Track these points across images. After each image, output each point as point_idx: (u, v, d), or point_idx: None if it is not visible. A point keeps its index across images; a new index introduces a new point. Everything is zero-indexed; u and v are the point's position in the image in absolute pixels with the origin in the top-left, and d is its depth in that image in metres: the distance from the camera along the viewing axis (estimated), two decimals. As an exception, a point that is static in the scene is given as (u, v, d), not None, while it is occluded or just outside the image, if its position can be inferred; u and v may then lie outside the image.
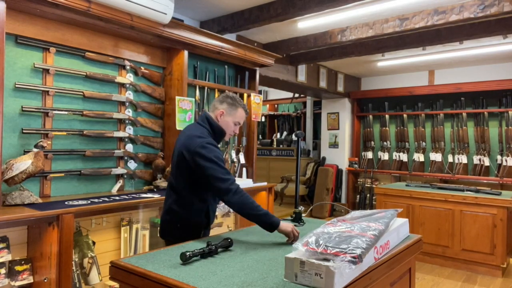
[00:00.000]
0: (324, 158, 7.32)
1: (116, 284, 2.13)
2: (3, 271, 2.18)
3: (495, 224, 3.93)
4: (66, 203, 2.34)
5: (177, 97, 3.13)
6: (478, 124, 5.87)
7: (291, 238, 1.84)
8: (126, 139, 3.02)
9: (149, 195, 2.79)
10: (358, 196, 6.89)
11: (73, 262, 2.31)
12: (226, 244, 1.69)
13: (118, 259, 1.57)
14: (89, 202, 2.41)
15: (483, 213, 4.01)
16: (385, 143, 6.85)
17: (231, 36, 4.27)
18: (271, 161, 7.97)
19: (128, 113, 3.04)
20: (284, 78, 5.34)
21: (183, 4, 3.61)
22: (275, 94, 8.64)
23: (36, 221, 2.14)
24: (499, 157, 5.67)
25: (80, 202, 2.40)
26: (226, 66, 3.82)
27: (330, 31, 4.31)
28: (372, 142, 7.05)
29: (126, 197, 2.66)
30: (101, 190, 2.90)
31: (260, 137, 9.04)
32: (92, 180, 2.85)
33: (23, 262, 2.27)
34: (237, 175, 3.81)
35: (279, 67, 5.19)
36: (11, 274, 2.21)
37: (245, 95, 3.95)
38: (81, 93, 2.72)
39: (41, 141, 2.34)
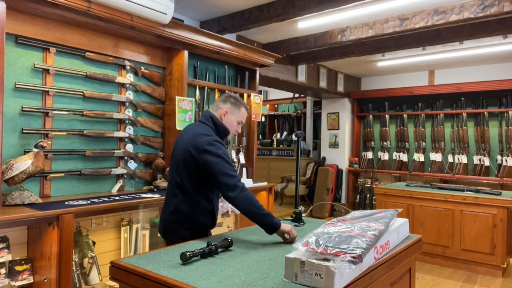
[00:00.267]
0: (324, 158, 7.32)
1: (116, 284, 2.13)
2: (3, 271, 2.18)
3: (495, 224, 3.93)
4: (66, 203, 2.35)
5: (177, 97, 3.13)
6: (478, 124, 5.87)
7: (290, 237, 1.85)
8: (126, 139, 3.02)
9: (149, 195, 2.79)
10: (358, 196, 6.89)
11: (73, 262, 2.31)
12: (226, 244, 1.69)
13: (118, 259, 1.57)
14: (89, 202, 2.41)
15: (483, 213, 4.01)
16: (385, 143, 6.85)
17: (231, 36, 4.27)
18: (271, 161, 7.97)
19: (128, 113, 3.04)
20: (284, 78, 5.34)
21: (183, 4, 3.62)
22: (275, 94, 8.65)
23: (36, 221, 2.14)
24: (499, 157, 5.67)
25: (80, 202, 2.40)
26: (226, 66, 3.82)
27: (330, 31, 4.31)
28: (372, 142, 7.05)
29: (126, 197, 2.66)
30: (101, 190, 2.90)
31: (260, 137, 9.04)
32: (92, 180, 2.85)
33: (23, 262, 2.27)
34: (237, 175, 3.81)
35: (279, 67, 5.19)
36: (11, 274, 2.21)
37: (245, 95, 3.95)
38: (81, 93, 2.72)
39: (41, 141, 2.34)
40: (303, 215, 2.34)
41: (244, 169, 3.90)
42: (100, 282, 2.56)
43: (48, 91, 2.56)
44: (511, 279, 3.89)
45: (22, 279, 2.23)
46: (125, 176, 3.03)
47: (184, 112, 3.17)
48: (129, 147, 3.05)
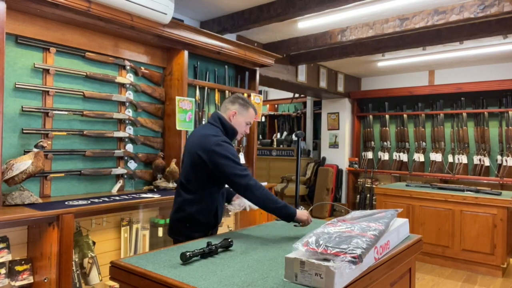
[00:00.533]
0: (324, 158, 7.32)
1: (116, 284, 2.13)
2: (3, 271, 2.18)
3: (495, 224, 3.93)
4: (66, 203, 2.35)
5: (177, 97, 3.13)
6: (478, 124, 5.86)
7: (306, 224, 2.01)
8: (126, 139, 3.02)
9: (149, 195, 2.79)
10: (358, 196, 6.89)
11: (73, 262, 2.31)
12: (226, 244, 1.69)
13: (118, 259, 1.57)
14: (89, 202, 2.42)
15: (483, 213, 4.01)
16: (385, 143, 6.85)
17: (231, 36, 4.27)
18: (271, 161, 7.97)
19: (128, 113, 3.04)
20: (284, 78, 5.34)
21: (183, 4, 3.62)
22: (275, 94, 8.64)
23: (36, 221, 2.14)
24: (499, 157, 5.67)
25: (80, 202, 2.40)
26: (226, 66, 3.82)
27: (330, 31, 4.31)
28: (372, 142, 7.05)
29: (126, 197, 2.66)
30: (101, 190, 2.90)
31: (260, 137, 9.03)
32: (92, 180, 2.85)
33: (23, 262, 2.27)
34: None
35: (279, 67, 5.19)
36: (11, 274, 2.21)
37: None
38: (81, 93, 2.72)
39: (41, 141, 2.34)
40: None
41: (244, 169, 3.89)
42: (100, 282, 2.56)
43: (48, 91, 2.56)
44: (511, 279, 3.89)
45: (22, 279, 2.23)
46: (125, 176, 3.03)
47: (184, 112, 3.17)
48: (129, 147, 3.05)
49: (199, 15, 3.97)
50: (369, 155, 6.96)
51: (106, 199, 2.55)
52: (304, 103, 8.39)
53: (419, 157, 6.35)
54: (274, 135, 8.91)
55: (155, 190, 3.04)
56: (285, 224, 2.28)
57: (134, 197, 2.67)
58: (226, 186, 2.10)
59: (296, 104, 8.78)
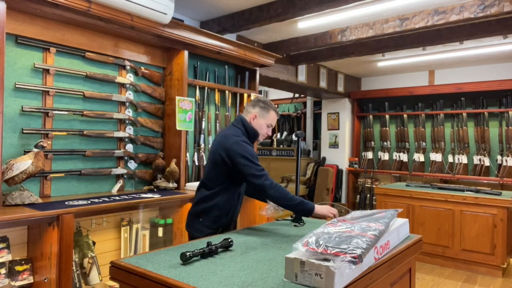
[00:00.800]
0: (324, 158, 7.32)
1: (116, 284, 2.13)
2: (3, 271, 2.18)
3: (495, 224, 3.93)
4: (66, 203, 2.35)
5: (177, 97, 3.13)
6: (478, 124, 5.86)
7: (331, 218, 1.98)
8: (126, 139, 3.02)
9: (149, 195, 2.79)
10: (358, 196, 6.89)
11: (73, 262, 2.31)
12: (226, 244, 1.69)
13: (118, 259, 1.57)
14: (89, 202, 2.42)
15: (483, 213, 4.01)
16: (385, 143, 6.85)
17: (231, 36, 4.27)
18: (271, 161, 7.96)
19: (128, 113, 3.04)
20: (284, 78, 5.34)
21: (183, 4, 3.62)
22: (275, 94, 8.63)
23: (36, 221, 2.14)
24: (499, 157, 5.67)
25: (80, 202, 2.40)
26: (226, 66, 3.82)
27: (330, 31, 4.31)
28: (372, 142, 7.05)
29: (126, 197, 2.66)
30: (101, 190, 2.90)
31: (260, 137, 9.01)
32: (92, 180, 2.85)
33: (23, 262, 2.27)
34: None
35: (279, 67, 5.19)
36: (11, 274, 2.21)
37: (245, 95, 3.95)
38: (81, 93, 2.72)
39: (41, 141, 2.34)
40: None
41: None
42: (100, 282, 2.56)
43: (48, 91, 2.56)
44: (511, 279, 3.89)
45: (22, 279, 2.23)
46: (125, 176, 3.03)
47: (184, 112, 3.17)
48: (129, 147, 3.05)
49: (199, 15, 3.97)
50: (369, 155, 6.96)
51: (106, 199, 2.55)
52: (304, 103, 8.39)
53: (419, 157, 6.35)
54: (274, 135, 8.91)
55: (155, 190, 3.04)
56: (285, 224, 2.29)
57: (134, 197, 2.67)
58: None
59: (296, 104, 8.77)
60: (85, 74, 2.74)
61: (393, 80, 6.79)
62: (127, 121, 3.02)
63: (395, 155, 6.65)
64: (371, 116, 7.06)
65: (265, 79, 5.16)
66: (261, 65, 3.98)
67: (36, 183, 2.52)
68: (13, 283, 2.20)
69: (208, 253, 1.58)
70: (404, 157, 6.56)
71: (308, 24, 4.04)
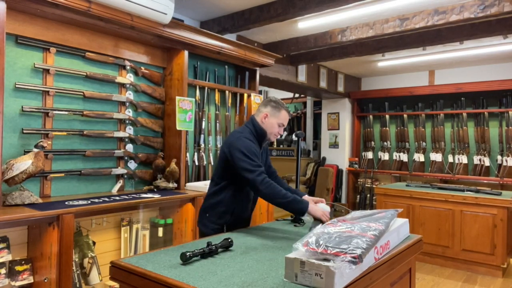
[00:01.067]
0: (324, 158, 7.32)
1: (116, 284, 2.13)
2: (3, 271, 2.18)
3: (495, 224, 3.93)
4: (66, 203, 2.35)
5: (177, 97, 3.13)
6: (478, 124, 5.86)
7: (324, 221, 1.90)
8: (126, 139, 3.02)
9: (149, 195, 2.79)
10: (358, 196, 6.89)
11: (73, 262, 2.31)
12: (226, 244, 1.69)
13: (118, 259, 1.57)
14: (89, 202, 2.42)
15: (483, 213, 4.00)
16: (385, 143, 6.85)
17: (231, 36, 4.27)
18: (271, 161, 7.96)
19: (128, 113, 3.04)
20: (284, 78, 5.34)
21: (183, 4, 3.61)
22: (275, 94, 8.63)
23: (36, 221, 2.14)
24: (499, 157, 5.67)
25: (80, 202, 2.40)
26: (226, 66, 3.82)
27: (330, 31, 4.31)
28: (372, 142, 7.05)
29: (126, 197, 2.66)
30: (101, 190, 2.90)
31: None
32: (92, 180, 2.85)
33: (23, 262, 2.27)
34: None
35: (279, 67, 5.19)
36: (11, 274, 2.21)
37: (245, 95, 3.95)
38: (81, 93, 2.72)
39: (41, 141, 2.34)
40: (303, 215, 2.33)
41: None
42: (100, 282, 2.56)
43: (48, 91, 2.56)
44: (511, 279, 3.89)
45: (22, 279, 2.23)
46: (125, 176, 3.03)
47: (184, 112, 3.17)
48: (129, 147, 3.05)
49: (199, 15, 3.97)
50: (369, 155, 6.96)
51: (106, 199, 2.55)
52: (304, 103, 8.39)
53: (419, 157, 6.35)
54: (274, 135, 8.90)
55: (155, 190, 3.04)
56: (285, 224, 2.29)
57: (134, 197, 2.67)
58: None
59: (296, 104, 8.77)
60: (85, 74, 2.74)
61: (393, 80, 6.78)
62: (127, 121, 3.02)
63: (395, 155, 6.65)
64: (371, 116, 7.06)
65: (265, 79, 5.16)
66: (261, 65, 3.98)
67: (36, 183, 2.52)
68: (13, 283, 2.20)
69: (208, 253, 1.58)
70: (404, 157, 6.56)
71: (308, 24, 4.04)
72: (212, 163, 3.66)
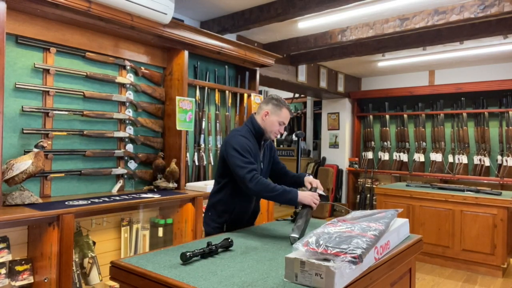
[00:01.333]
0: (324, 158, 7.32)
1: (116, 284, 2.13)
2: (3, 271, 2.18)
3: (496, 224, 3.93)
4: (66, 203, 2.35)
5: (177, 97, 3.13)
6: (478, 124, 5.86)
7: (314, 207, 1.94)
8: (127, 139, 3.02)
9: (149, 195, 2.79)
10: (358, 196, 6.89)
11: (73, 262, 2.31)
12: (226, 244, 1.69)
13: (119, 259, 1.57)
14: (90, 202, 2.42)
15: (484, 213, 4.00)
16: (385, 143, 6.85)
17: (232, 36, 4.27)
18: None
19: (129, 113, 3.04)
20: (284, 78, 5.34)
21: (183, 4, 3.62)
22: (276, 94, 8.64)
23: (36, 221, 2.14)
24: (499, 157, 5.67)
25: (81, 202, 2.40)
26: (226, 66, 3.82)
27: (330, 31, 4.31)
28: (373, 142, 7.05)
29: (127, 197, 2.66)
30: (101, 190, 2.90)
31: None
32: (92, 180, 2.85)
33: (23, 262, 2.27)
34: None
35: (280, 67, 5.19)
36: (12, 274, 2.21)
37: (245, 95, 3.95)
38: (82, 93, 2.72)
39: (41, 141, 2.34)
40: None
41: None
42: (100, 282, 2.56)
43: (48, 91, 2.56)
44: (511, 280, 3.89)
45: (22, 279, 2.23)
46: (125, 176, 3.03)
47: (184, 112, 3.17)
48: (129, 147, 3.05)
49: (199, 15, 3.97)
50: (369, 155, 6.96)
51: (106, 199, 2.55)
52: (304, 103, 8.40)
53: (419, 157, 6.35)
54: (274, 135, 8.90)
55: (155, 190, 3.04)
56: (285, 224, 2.29)
57: (134, 197, 2.67)
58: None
59: (296, 104, 8.78)
60: (85, 74, 2.74)
61: (393, 80, 6.78)
62: (127, 121, 3.02)
63: (395, 155, 6.65)
64: (371, 116, 7.06)
65: (265, 79, 5.16)
66: (261, 65, 3.98)
67: (36, 183, 2.52)
68: (13, 283, 2.20)
69: (208, 253, 1.58)
70: (404, 157, 6.56)
71: (308, 24, 4.04)
72: (212, 163, 3.66)
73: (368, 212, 1.83)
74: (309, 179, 2.18)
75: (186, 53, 3.21)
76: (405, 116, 6.63)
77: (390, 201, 4.61)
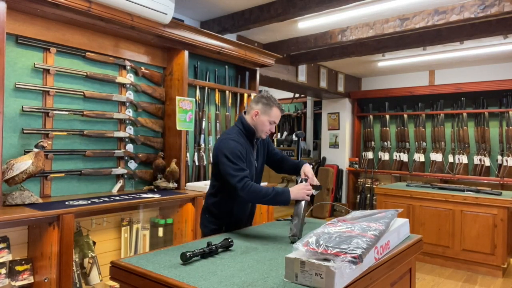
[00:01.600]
0: (324, 158, 7.32)
1: (116, 284, 2.13)
2: (3, 271, 2.18)
3: (496, 224, 3.93)
4: (66, 203, 2.35)
5: (177, 97, 3.13)
6: (478, 124, 5.86)
7: (307, 199, 1.95)
8: (127, 139, 3.02)
9: (149, 195, 2.79)
10: (358, 196, 6.89)
11: (73, 262, 2.31)
12: (226, 244, 1.69)
13: (119, 259, 1.57)
14: (90, 202, 2.42)
15: (484, 213, 4.00)
16: (385, 143, 6.84)
17: (232, 36, 4.27)
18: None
19: (129, 113, 3.04)
20: (284, 78, 5.34)
21: (183, 4, 3.61)
22: (276, 94, 8.60)
23: (36, 221, 2.14)
24: (499, 157, 5.66)
25: (81, 202, 2.40)
26: (226, 66, 3.82)
27: (330, 31, 4.31)
28: (373, 142, 7.05)
29: (127, 197, 2.66)
30: (101, 190, 2.91)
31: (261, 137, 9.01)
32: (92, 180, 2.85)
33: (23, 262, 2.28)
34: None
35: (280, 67, 5.19)
36: (12, 274, 2.22)
37: (246, 95, 3.95)
38: (82, 93, 2.72)
39: (41, 141, 2.34)
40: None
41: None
42: (101, 282, 2.56)
43: (48, 91, 2.56)
44: (511, 279, 3.89)
45: (22, 279, 2.23)
46: (126, 176, 3.03)
47: (185, 112, 3.17)
48: (130, 147, 3.05)
49: (199, 15, 3.97)
50: (369, 155, 6.96)
51: (107, 199, 2.55)
52: (304, 103, 8.40)
53: (419, 157, 6.35)
54: (275, 135, 8.91)
55: (155, 190, 3.04)
56: (285, 224, 2.29)
57: (134, 197, 2.67)
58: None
59: (296, 104, 8.78)
60: (85, 74, 2.74)
61: (393, 80, 6.78)
62: (127, 121, 3.02)
63: (395, 155, 6.65)
64: (371, 116, 7.06)
65: (265, 79, 5.16)
66: (261, 65, 3.98)
67: (36, 183, 2.52)
68: (13, 283, 2.20)
69: (208, 253, 1.58)
70: (404, 157, 6.56)
71: (308, 24, 4.04)
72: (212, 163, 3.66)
73: (368, 212, 1.83)
74: (305, 169, 2.14)
75: (186, 53, 3.21)
76: (405, 116, 6.63)
77: (390, 201, 4.61)
